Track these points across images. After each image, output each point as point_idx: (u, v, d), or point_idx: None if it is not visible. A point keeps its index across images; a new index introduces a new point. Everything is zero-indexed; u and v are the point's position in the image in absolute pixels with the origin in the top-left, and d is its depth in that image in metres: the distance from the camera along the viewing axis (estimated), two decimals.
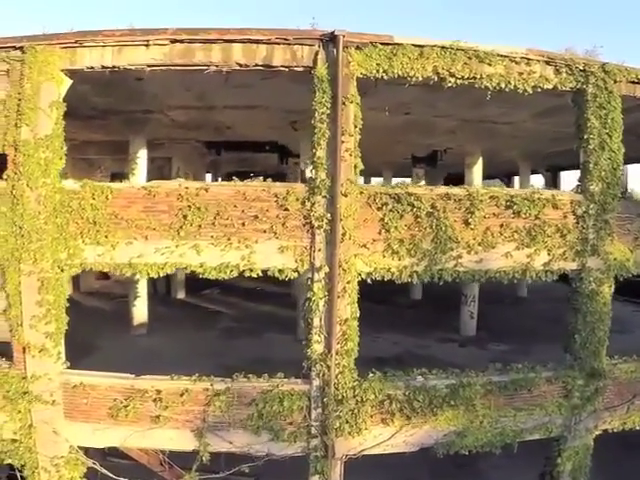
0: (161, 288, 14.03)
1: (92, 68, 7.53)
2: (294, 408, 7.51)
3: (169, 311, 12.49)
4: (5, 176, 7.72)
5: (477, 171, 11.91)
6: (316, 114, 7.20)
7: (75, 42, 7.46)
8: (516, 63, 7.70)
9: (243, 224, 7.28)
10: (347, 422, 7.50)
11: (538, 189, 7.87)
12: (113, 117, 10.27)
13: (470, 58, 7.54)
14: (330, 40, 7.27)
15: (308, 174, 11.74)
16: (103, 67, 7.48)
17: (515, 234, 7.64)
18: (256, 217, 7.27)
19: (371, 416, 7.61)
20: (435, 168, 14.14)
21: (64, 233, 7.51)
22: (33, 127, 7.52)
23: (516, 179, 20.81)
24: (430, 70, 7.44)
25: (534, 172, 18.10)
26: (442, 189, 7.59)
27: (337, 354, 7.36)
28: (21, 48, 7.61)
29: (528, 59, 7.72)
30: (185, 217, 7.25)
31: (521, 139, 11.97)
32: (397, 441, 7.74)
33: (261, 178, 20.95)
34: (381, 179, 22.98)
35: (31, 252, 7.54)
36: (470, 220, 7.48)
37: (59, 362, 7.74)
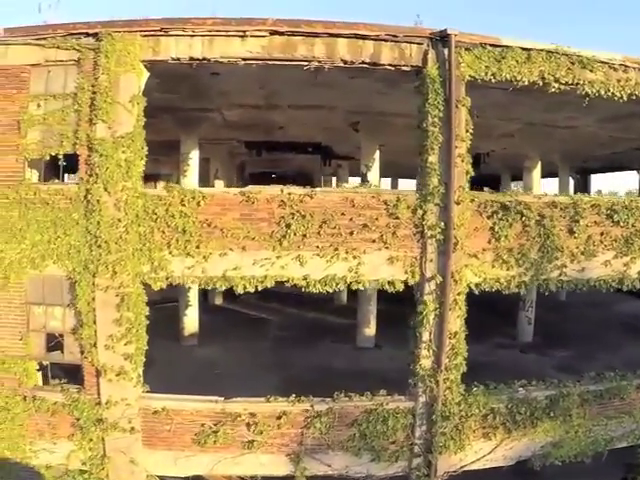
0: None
1: (178, 60, 6.81)
2: (398, 427, 7.15)
3: (211, 318, 11.74)
4: (77, 179, 6.89)
5: (536, 175, 11.92)
6: (428, 117, 6.82)
7: (160, 30, 6.72)
8: (614, 70, 7.60)
9: (351, 233, 6.80)
10: (452, 438, 7.21)
11: (636, 198, 7.81)
12: (165, 115, 9.41)
13: (573, 63, 7.38)
14: (440, 39, 6.91)
15: (369, 177, 11.45)
16: (192, 59, 6.77)
17: (614, 242, 7.58)
18: (365, 226, 6.81)
19: (474, 431, 7.36)
20: (477, 171, 13.97)
21: (148, 243, 6.78)
22: (111, 124, 6.72)
23: (543, 181, 21.16)
24: (536, 74, 7.22)
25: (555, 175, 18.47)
26: (549, 197, 7.43)
27: (446, 369, 7.05)
28: (95, 35, 6.80)
29: (625, 66, 7.65)
30: (288, 226, 6.69)
31: (572, 142, 12.06)
32: (497, 455, 7.53)
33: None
34: (414, 181, 22.88)
35: (109, 264, 6.75)
36: (575, 229, 7.35)
37: (139, 386, 7.00)
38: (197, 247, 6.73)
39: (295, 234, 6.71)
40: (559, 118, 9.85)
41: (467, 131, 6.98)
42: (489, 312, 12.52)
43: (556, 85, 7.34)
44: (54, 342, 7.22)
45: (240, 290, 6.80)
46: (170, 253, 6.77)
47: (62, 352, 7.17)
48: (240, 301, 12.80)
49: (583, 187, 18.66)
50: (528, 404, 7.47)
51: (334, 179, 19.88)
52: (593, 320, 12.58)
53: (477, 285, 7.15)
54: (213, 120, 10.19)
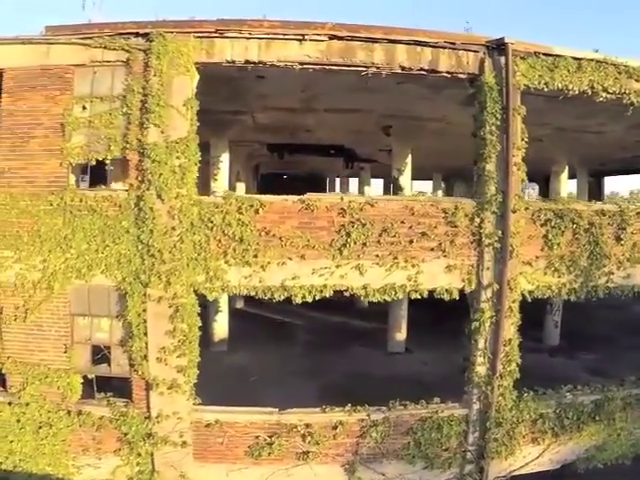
0: None
1: (233, 62, 6.60)
2: (452, 434, 7.16)
3: (236, 323, 11.51)
4: (127, 185, 6.61)
5: (564, 178, 12.10)
6: (486, 125, 6.80)
7: (215, 31, 6.50)
8: None
9: (410, 242, 6.74)
10: (503, 444, 7.26)
11: None
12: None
13: (620, 73, 7.46)
14: (496, 47, 6.90)
15: (401, 182, 11.40)
16: (247, 62, 6.57)
17: None
18: (424, 234, 6.76)
19: (524, 436, 7.43)
20: None
21: (203, 252, 6.57)
22: (164, 128, 6.47)
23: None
24: (586, 84, 7.28)
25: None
26: (598, 205, 7.53)
27: (500, 376, 7.08)
28: (145, 35, 6.52)
29: None
30: (349, 234, 6.58)
31: (596, 147, 12.26)
32: (544, 459, 7.63)
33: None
34: (429, 182, 22.97)
35: (162, 274, 6.52)
36: (621, 236, 7.47)
37: (191, 399, 6.80)
38: (255, 256, 6.56)
39: (355, 243, 6.61)
40: (590, 124, 10.01)
41: (522, 139, 6.99)
42: None
43: (604, 94, 7.43)
44: (100, 355, 6.94)
45: (299, 300, 6.67)
46: (226, 262, 6.58)
47: (109, 365, 6.91)
48: (261, 305, 12.62)
49: (597, 189, 19.12)
50: (575, 409, 7.57)
51: (350, 181, 19.93)
52: (612, 322, 12.89)
53: (530, 292, 7.20)
54: (244, 123, 9.96)
